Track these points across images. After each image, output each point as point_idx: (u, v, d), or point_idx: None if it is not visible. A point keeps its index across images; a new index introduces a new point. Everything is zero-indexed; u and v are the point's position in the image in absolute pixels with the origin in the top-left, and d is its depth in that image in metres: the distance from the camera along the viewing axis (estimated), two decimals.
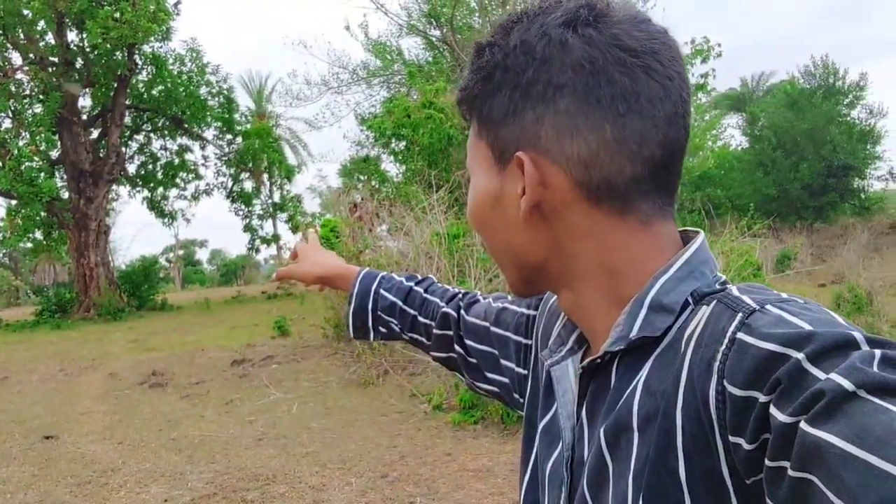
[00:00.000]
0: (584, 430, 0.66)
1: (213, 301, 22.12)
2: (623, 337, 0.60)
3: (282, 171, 25.41)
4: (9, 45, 19.36)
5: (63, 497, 4.94)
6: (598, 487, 0.61)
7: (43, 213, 19.13)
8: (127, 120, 21.84)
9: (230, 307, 20.56)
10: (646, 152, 0.59)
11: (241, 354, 10.48)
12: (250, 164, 24.45)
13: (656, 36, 0.60)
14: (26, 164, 17.85)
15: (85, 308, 19.56)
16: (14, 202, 18.50)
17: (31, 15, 18.31)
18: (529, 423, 0.78)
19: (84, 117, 20.99)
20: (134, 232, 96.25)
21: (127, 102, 21.09)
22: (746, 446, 0.47)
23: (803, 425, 0.42)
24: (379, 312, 1.13)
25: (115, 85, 20.22)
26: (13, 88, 19.09)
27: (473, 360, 0.99)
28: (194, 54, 21.97)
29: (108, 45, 17.77)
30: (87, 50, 19.38)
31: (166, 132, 23.63)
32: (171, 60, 21.48)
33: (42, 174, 18.08)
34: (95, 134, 21.64)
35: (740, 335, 0.50)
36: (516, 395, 0.91)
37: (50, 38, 19.80)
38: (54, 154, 19.81)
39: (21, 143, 18.34)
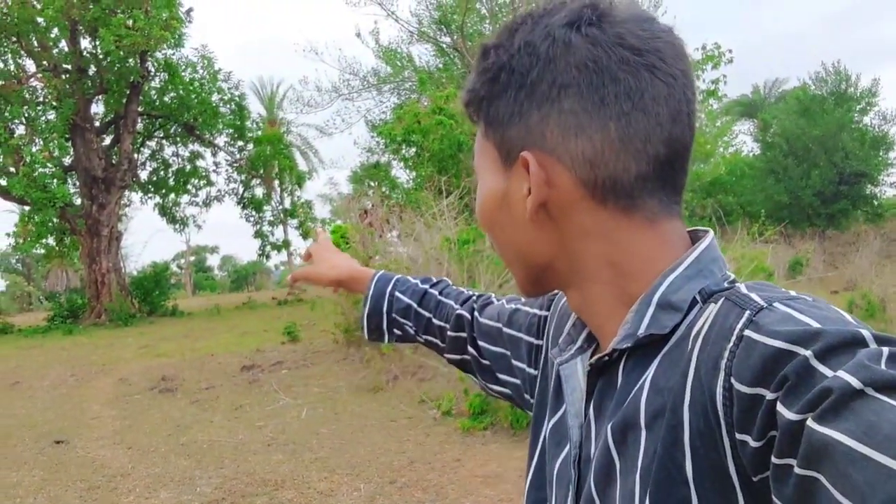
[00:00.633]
0: (592, 427, 0.66)
1: (223, 307, 22.20)
2: (631, 335, 0.60)
3: (293, 177, 25.51)
4: (23, 52, 19.58)
5: (73, 501, 4.96)
6: (605, 485, 0.61)
7: (56, 219, 19.32)
8: (139, 126, 22.04)
9: (241, 313, 20.64)
10: (651, 150, 0.59)
11: (251, 360, 10.51)
12: (261, 171, 24.58)
13: (660, 34, 0.60)
14: (39, 170, 18.03)
15: (96, 314, 19.71)
16: (27, 208, 18.70)
17: (44, 23, 18.52)
18: (537, 422, 0.78)
19: (97, 124, 21.20)
20: (145, 238, 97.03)
21: (139, 109, 21.28)
22: (753, 443, 0.47)
23: (810, 423, 0.42)
24: (394, 315, 1.13)
25: (128, 92, 20.42)
26: (27, 95, 19.33)
27: (486, 362, 0.99)
28: (206, 61, 22.13)
29: (121, 53, 17.94)
30: (100, 57, 19.56)
31: (178, 139, 23.83)
32: (183, 67, 21.64)
33: (55, 180, 18.22)
34: (108, 140, 21.87)
35: (748, 332, 0.49)
36: (527, 397, 0.90)
37: (63, 45, 20.03)
38: (67, 160, 19.99)
39: (34, 150, 18.56)
